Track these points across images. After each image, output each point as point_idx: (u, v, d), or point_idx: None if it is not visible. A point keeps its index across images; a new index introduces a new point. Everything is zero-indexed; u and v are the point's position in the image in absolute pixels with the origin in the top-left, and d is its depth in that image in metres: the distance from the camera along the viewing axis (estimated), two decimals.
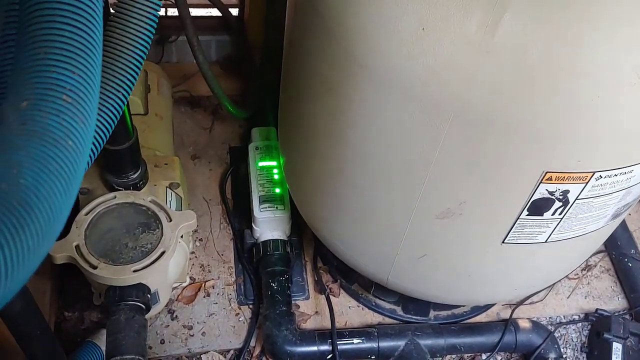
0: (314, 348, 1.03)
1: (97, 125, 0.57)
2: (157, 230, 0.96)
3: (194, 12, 1.58)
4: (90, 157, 0.56)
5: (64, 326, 1.05)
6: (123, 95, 0.60)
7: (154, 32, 0.61)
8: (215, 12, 1.41)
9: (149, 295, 0.94)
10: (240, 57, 1.45)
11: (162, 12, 1.72)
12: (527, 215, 0.73)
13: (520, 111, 0.62)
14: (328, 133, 0.78)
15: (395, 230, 0.80)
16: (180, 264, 1.05)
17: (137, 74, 0.61)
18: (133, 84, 0.61)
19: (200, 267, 1.17)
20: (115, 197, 0.98)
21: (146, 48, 0.62)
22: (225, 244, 1.20)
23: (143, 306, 0.93)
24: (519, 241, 0.77)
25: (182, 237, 1.02)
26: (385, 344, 1.05)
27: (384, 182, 0.76)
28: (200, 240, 1.20)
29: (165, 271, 0.98)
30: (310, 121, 0.82)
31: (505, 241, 0.77)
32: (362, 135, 0.73)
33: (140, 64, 0.61)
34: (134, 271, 0.91)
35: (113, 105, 0.59)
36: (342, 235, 0.91)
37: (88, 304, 1.08)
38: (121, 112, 0.61)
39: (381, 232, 0.82)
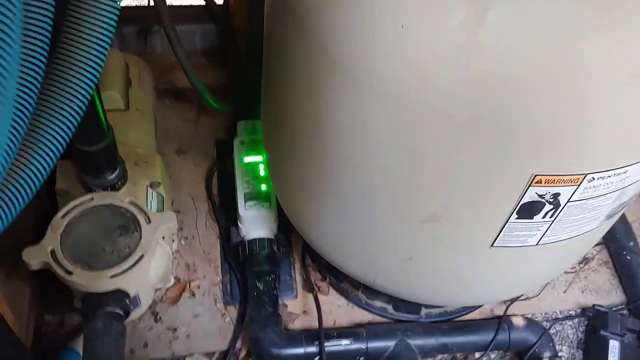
0: (301, 350, 1.00)
1: (55, 130, 0.54)
2: (136, 232, 0.92)
3: (178, 0, 1.54)
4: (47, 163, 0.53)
5: (45, 330, 1.03)
6: (82, 95, 0.55)
7: (115, 24, 0.55)
8: (199, 0, 1.36)
9: (127, 301, 0.91)
10: (225, 47, 1.41)
11: (144, 1, 1.67)
12: (516, 218, 0.69)
13: (506, 112, 0.59)
14: (308, 136, 0.74)
15: (379, 235, 0.76)
16: (162, 265, 1.01)
17: (95, 77, 0.56)
18: (93, 83, 0.56)
19: (186, 267, 1.14)
20: (92, 198, 0.95)
21: (106, 44, 0.56)
22: (211, 242, 1.17)
23: (122, 313, 0.90)
24: (508, 244, 0.74)
25: (163, 238, 0.98)
26: (374, 344, 1.02)
27: (366, 186, 0.72)
28: (186, 238, 1.17)
29: (146, 275, 0.94)
30: (291, 123, 0.78)
31: (494, 245, 0.74)
32: (343, 138, 0.69)
33: (99, 65, 0.56)
34: (112, 277, 0.87)
35: (72, 108, 0.55)
36: (327, 238, 0.87)
37: (69, 307, 1.04)
38: (81, 114, 0.56)
39: (365, 236, 0.79)
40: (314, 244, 0.93)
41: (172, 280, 1.11)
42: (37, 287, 1.05)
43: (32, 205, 1.10)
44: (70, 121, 0.54)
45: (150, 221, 0.94)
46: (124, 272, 0.89)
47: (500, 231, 0.71)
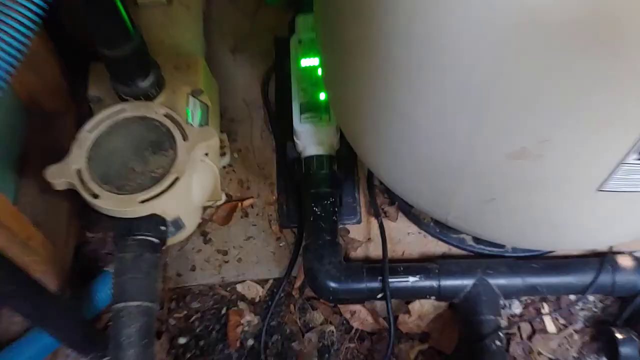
0: (362, 285, 0.88)
1: None
2: (171, 150, 0.80)
3: None
4: None
5: (85, 250, 0.95)
6: None
7: None
8: None
9: (163, 227, 0.81)
10: None
11: None
12: (637, 159, 0.50)
13: (632, 16, 0.39)
14: (374, 46, 0.56)
15: (455, 170, 0.60)
16: (207, 184, 0.90)
17: None
18: None
19: (239, 183, 1.02)
20: (123, 109, 0.83)
21: None
22: (267, 156, 1.04)
23: (157, 241, 0.80)
24: (620, 189, 0.55)
25: (207, 154, 0.86)
26: (448, 282, 0.88)
27: (440, 107, 0.54)
28: (239, 151, 1.04)
29: (185, 197, 0.83)
30: (355, 29, 0.60)
31: (601, 189, 0.55)
32: (415, 49, 0.51)
33: None
34: (142, 202, 0.77)
35: None
36: (390, 169, 0.71)
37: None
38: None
39: (437, 170, 0.62)
40: (376, 173, 0.77)
41: (223, 198, 1.00)
42: (77, 202, 0.96)
43: (72, 112, 1.00)
44: None
45: (187, 138, 0.81)
46: (156, 196, 0.78)
47: (612, 174, 0.53)
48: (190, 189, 0.83)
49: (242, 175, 1.02)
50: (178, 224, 0.87)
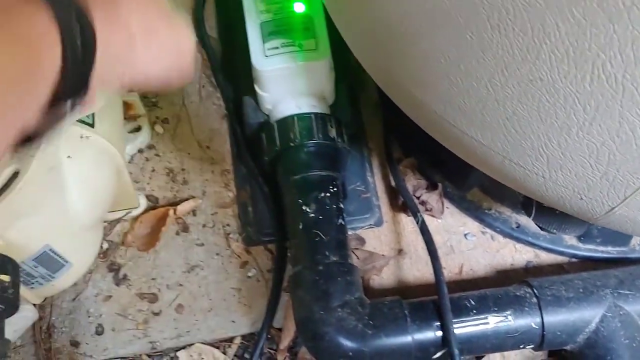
0: (404, 339, 0.48)
1: None
2: None
3: None
4: None
5: None
6: None
7: None
8: None
9: (3, 278, 0.39)
10: None
11: None
12: None
13: None
14: None
15: None
16: (103, 183, 0.49)
17: None
18: None
19: (168, 175, 0.61)
20: None
21: None
22: (212, 125, 0.63)
23: None
24: None
25: (91, 124, 0.45)
26: (556, 318, 0.49)
27: None
28: (166, 121, 0.63)
29: (51, 208, 0.42)
30: None
31: None
32: None
33: None
34: None
35: None
36: (475, 113, 0.31)
37: None
38: None
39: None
40: (426, 109, 0.37)
41: (142, 204, 0.59)
42: None
43: None
44: None
45: None
46: None
47: None
48: (61, 190, 0.42)
49: (172, 161, 0.61)
50: (51, 261, 0.46)
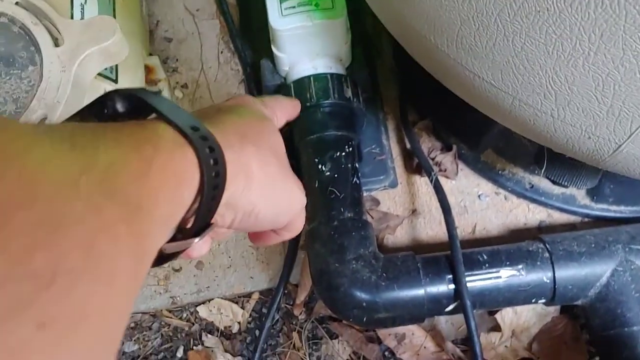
0: (417, 292, 0.49)
1: None
2: (31, 67, 0.40)
3: None
4: None
5: None
6: None
7: None
8: None
9: None
10: None
11: None
12: None
13: None
14: None
15: None
16: None
17: None
18: None
19: None
20: None
21: None
22: (231, 90, 0.64)
23: None
24: None
25: (114, 76, 0.46)
26: (567, 273, 0.50)
27: None
28: (185, 86, 0.64)
29: None
30: None
31: None
32: None
33: None
34: None
35: None
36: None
37: None
38: None
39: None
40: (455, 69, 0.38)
41: None
42: None
43: None
44: None
45: (62, 41, 0.41)
46: None
47: None
48: None
49: None
50: None
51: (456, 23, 0.33)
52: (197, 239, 0.28)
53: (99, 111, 0.26)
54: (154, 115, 0.26)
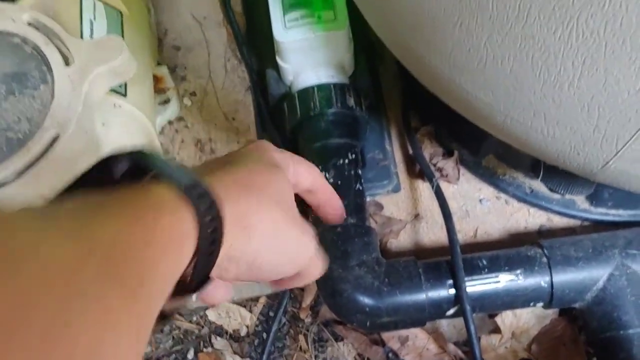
0: (419, 297, 0.51)
1: None
2: (42, 87, 0.42)
3: None
4: None
5: None
6: None
7: None
8: None
9: None
10: None
11: None
12: None
13: None
14: None
15: None
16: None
17: None
18: None
19: (196, 145, 0.64)
20: None
21: None
22: (237, 98, 0.66)
23: None
24: None
25: (123, 93, 0.48)
26: (565, 277, 0.51)
27: None
28: (193, 94, 0.66)
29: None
30: None
31: None
32: None
33: None
34: None
35: None
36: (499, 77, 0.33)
37: None
38: None
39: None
40: (445, 81, 0.39)
41: None
42: None
43: None
44: None
45: (72, 60, 0.43)
46: (20, 174, 0.40)
47: None
48: (96, 153, 0.45)
49: (200, 132, 0.64)
50: None
51: (448, 44, 0.34)
52: (194, 295, 0.28)
53: (97, 177, 0.26)
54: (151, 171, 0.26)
